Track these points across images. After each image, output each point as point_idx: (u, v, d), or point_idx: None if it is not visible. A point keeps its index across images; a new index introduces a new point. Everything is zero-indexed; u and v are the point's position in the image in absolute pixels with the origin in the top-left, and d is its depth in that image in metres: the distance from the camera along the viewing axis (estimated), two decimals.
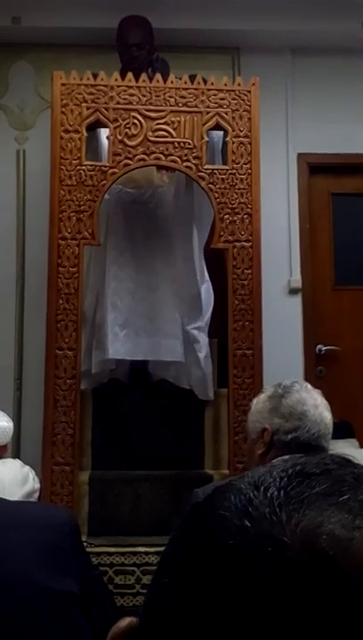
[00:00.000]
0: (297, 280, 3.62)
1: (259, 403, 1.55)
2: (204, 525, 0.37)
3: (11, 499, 2.12)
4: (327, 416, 1.50)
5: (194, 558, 0.36)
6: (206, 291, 3.17)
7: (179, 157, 2.92)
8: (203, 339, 3.11)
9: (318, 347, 3.63)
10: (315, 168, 3.71)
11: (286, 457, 0.43)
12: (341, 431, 2.70)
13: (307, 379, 3.53)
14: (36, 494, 2.38)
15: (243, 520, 0.36)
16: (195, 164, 2.92)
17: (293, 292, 3.63)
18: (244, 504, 0.37)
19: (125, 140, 2.91)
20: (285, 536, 0.34)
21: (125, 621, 0.39)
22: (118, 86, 2.95)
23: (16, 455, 3.06)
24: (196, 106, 2.95)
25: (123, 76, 2.99)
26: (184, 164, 2.92)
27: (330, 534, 0.34)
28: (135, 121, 2.92)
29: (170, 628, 0.34)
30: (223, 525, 0.36)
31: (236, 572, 0.34)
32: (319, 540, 0.34)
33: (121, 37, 3.36)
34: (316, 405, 1.49)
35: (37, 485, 2.39)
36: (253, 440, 1.54)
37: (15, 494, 2.19)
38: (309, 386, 1.57)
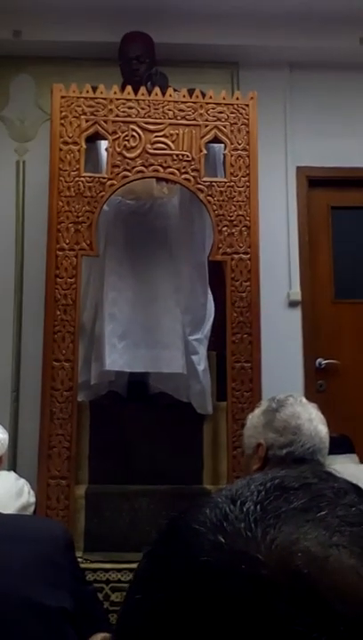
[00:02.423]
0: (297, 293, 3.62)
1: (254, 418, 1.54)
2: (178, 540, 0.36)
3: (5, 512, 2.11)
4: (323, 430, 1.48)
5: (167, 574, 0.35)
6: (209, 302, 3.16)
7: (177, 170, 2.92)
8: (201, 351, 3.10)
9: (318, 360, 3.62)
10: (314, 181, 3.71)
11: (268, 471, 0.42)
12: (341, 446, 2.68)
13: (307, 392, 3.51)
14: (32, 508, 2.36)
15: (217, 536, 0.34)
16: (193, 177, 2.93)
17: (292, 304, 3.62)
18: (219, 519, 0.35)
19: (124, 152, 2.92)
20: (259, 553, 0.33)
21: (98, 637, 0.38)
22: (117, 99, 2.96)
23: (13, 468, 3.04)
24: (194, 119, 2.96)
25: (123, 90, 3.01)
26: (183, 176, 2.93)
27: (306, 552, 0.33)
28: (134, 133, 2.93)
29: None
30: (197, 541, 0.35)
31: (209, 590, 0.32)
32: (294, 558, 0.32)
33: (123, 51, 3.39)
34: (310, 419, 1.47)
35: (32, 499, 2.37)
36: (248, 455, 1.52)
37: (9, 507, 2.17)
38: (303, 399, 1.55)
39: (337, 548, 0.33)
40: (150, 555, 0.37)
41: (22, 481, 2.34)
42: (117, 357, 2.96)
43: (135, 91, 2.99)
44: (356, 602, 0.31)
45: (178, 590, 0.33)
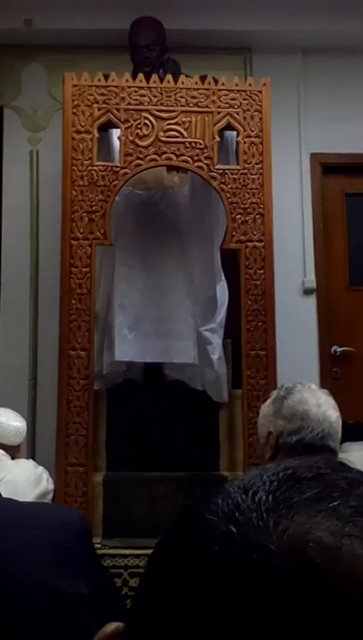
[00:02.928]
0: (311, 280, 3.60)
1: (265, 407, 1.55)
2: (190, 530, 0.37)
3: (24, 499, 2.13)
4: (333, 414, 1.47)
5: (179, 564, 0.35)
6: (221, 289, 3.16)
7: (190, 157, 2.91)
8: (216, 340, 3.09)
9: (334, 348, 3.60)
10: (328, 168, 3.68)
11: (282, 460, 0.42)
12: (356, 433, 2.67)
13: (322, 380, 3.50)
14: (50, 495, 2.38)
15: (229, 525, 0.35)
16: (206, 164, 2.91)
17: (307, 292, 3.61)
18: (231, 508, 0.36)
19: (137, 140, 2.91)
20: (271, 543, 0.33)
21: (112, 626, 0.39)
22: (129, 87, 2.95)
23: (32, 456, 3.07)
24: (207, 106, 2.94)
25: (134, 78, 2.99)
26: (196, 164, 2.92)
27: (318, 542, 0.33)
28: (146, 121, 2.92)
29: (153, 634, 0.34)
30: (209, 531, 0.35)
31: (220, 580, 0.33)
32: (307, 548, 0.33)
33: (132, 39, 3.36)
34: (319, 404, 1.47)
35: (51, 486, 2.39)
36: (262, 445, 1.52)
37: (28, 495, 2.19)
38: (313, 386, 1.54)
39: (350, 539, 0.33)
40: (162, 544, 0.38)
41: (40, 468, 2.36)
42: (128, 348, 2.97)
43: (147, 78, 2.97)
44: None
45: (189, 580, 0.33)
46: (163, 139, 2.92)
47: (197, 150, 2.92)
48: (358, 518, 0.34)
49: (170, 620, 0.33)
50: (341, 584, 0.32)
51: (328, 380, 3.51)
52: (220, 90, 2.96)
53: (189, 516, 0.38)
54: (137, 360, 3.04)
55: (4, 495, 1.98)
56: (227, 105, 2.96)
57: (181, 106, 2.94)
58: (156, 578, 0.36)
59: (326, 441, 1.43)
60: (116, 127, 2.96)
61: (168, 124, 2.93)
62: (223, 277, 3.16)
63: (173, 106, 2.94)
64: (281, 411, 1.48)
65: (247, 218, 2.90)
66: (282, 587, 0.32)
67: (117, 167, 2.91)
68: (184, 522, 0.38)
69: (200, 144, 2.92)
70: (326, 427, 1.44)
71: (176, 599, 0.34)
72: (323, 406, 1.46)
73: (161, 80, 2.98)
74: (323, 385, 3.47)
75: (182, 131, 2.92)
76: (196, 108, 2.94)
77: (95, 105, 2.93)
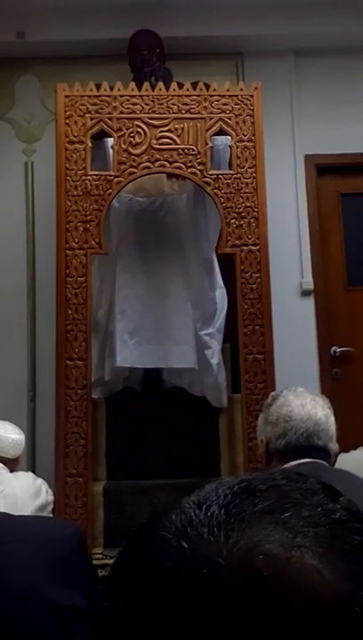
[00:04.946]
0: (309, 282, 3.60)
1: (259, 417, 1.55)
2: (144, 547, 0.36)
3: (24, 512, 2.13)
4: (318, 412, 1.45)
5: (131, 581, 0.35)
6: (220, 296, 3.16)
7: (183, 164, 2.92)
8: (214, 345, 3.09)
9: (333, 348, 3.60)
10: (323, 169, 3.68)
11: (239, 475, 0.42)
12: None
13: (323, 382, 3.50)
14: (50, 507, 2.37)
15: (181, 541, 0.35)
16: (200, 170, 2.92)
17: (305, 293, 3.60)
18: (183, 524, 0.36)
19: (130, 148, 2.92)
20: (221, 557, 0.33)
21: None
22: (121, 96, 2.96)
23: (32, 467, 3.07)
24: (199, 112, 2.95)
25: (135, 81, 3.01)
26: (189, 170, 2.92)
27: (267, 554, 0.33)
28: (139, 129, 2.93)
29: None
30: (162, 547, 0.35)
31: (171, 596, 0.33)
32: (255, 561, 0.33)
33: (132, 44, 3.39)
34: (302, 405, 1.46)
35: (51, 498, 2.38)
36: (261, 453, 1.53)
37: (28, 507, 2.18)
38: (299, 389, 1.54)
39: (299, 550, 0.33)
40: (118, 562, 0.38)
41: (40, 480, 2.35)
42: (129, 354, 2.98)
43: (142, 82, 2.99)
44: (316, 602, 0.32)
45: (141, 596, 0.33)
46: (156, 146, 2.93)
47: (191, 156, 2.92)
48: (308, 529, 0.34)
49: (123, 636, 0.33)
50: (289, 595, 0.31)
51: (329, 382, 3.51)
52: (211, 96, 2.97)
53: (143, 532, 0.38)
54: (138, 366, 3.04)
55: (3, 507, 1.98)
56: (219, 110, 2.96)
57: (174, 113, 2.95)
58: (110, 595, 0.36)
59: (313, 440, 1.42)
60: (109, 136, 2.97)
61: (161, 132, 2.93)
62: (222, 284, 3.16)
63: (165, 113, 2.95)
64: (268, 417, 1.48)
65: (242, 222, 2.90)
66: (230, 600, 0.32)
67: (111, 176, 2.91)
68: (139, 539, 0.38)
69: (193, 150, 2.92)
70: (310, 425, 1.43)
71: (128, 616, 0.33)
72: (307, 406, 1.46)
73: (153, 88, 2.99)
74: (324, 386, 3.48)
75: (175, 137, 2.93)
76: (188, 115, 2.95)
77: (88, 115, 2.94)
